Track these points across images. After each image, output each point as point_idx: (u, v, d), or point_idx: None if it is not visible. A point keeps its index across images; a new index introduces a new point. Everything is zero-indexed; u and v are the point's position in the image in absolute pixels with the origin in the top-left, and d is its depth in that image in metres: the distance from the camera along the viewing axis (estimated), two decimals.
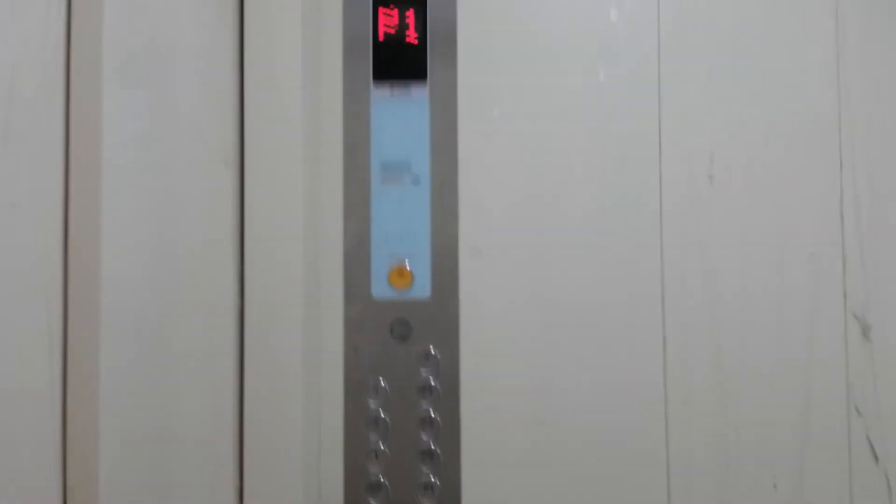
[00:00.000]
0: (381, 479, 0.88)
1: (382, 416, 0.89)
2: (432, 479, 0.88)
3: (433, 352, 0.90)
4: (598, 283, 0.90)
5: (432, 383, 0.89)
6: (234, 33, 0.87)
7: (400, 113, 0.91)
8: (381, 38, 0.92)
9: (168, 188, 0.75)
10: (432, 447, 0.89)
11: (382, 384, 0.89)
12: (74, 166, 0.64)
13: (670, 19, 0.91)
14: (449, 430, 0.89)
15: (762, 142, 0.90)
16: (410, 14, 0.91)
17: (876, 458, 0.88)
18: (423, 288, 0.90)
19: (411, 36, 0.92)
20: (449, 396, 0.89)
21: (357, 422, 0.89)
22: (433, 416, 0.89)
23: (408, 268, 0.90)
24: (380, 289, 0.90)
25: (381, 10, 0.91)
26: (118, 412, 0.66)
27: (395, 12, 0.91)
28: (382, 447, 0.89)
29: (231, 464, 0.84)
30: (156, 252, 0.73)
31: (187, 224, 0.78)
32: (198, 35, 0.82)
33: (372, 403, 0.89)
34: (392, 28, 0.91)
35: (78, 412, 0.63)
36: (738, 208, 0.90)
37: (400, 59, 0.92)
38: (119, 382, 0.66)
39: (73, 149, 0.64)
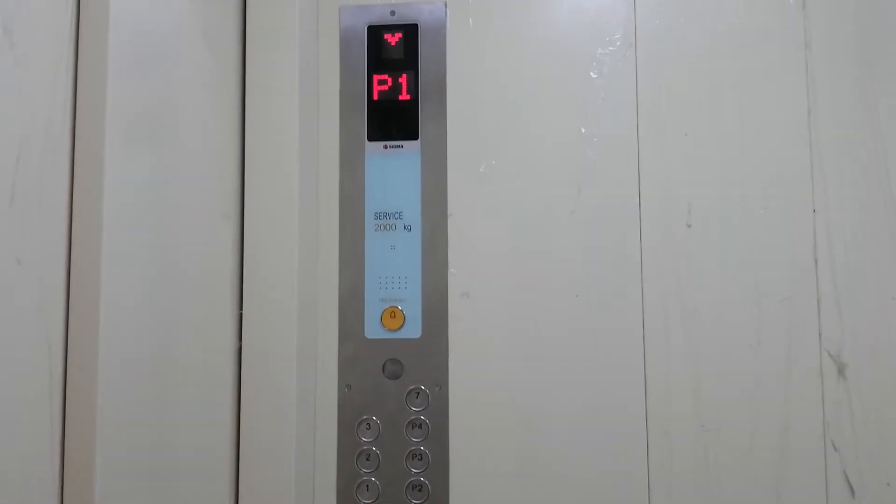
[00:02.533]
0: None
1: (375, 450, 0.89)
2: None
3: (423, 389, 0.90)
4: (582, 325, 0.89)
5: (422, 419, 0.89)
6: (235, 94, 0.88)
7: (393, 166, 0.92)
8: (375, 97, 0.92)
9: (169, 240, 0.75)
10: (422, 480, 0.88)
11: (375, 420, 0.89)
12: (77, 224, 0.64)
13: (647, 77, 0.91)
14: (438, 463, 0.88)
15: (738, 191, 0.89)
16: (403, 79, 0.92)
17: (853, 492, 0.86)
18: (414, 329, 0.90)
19: (404, 95, 0.92)
20: (438, 431, 0.89)
21: (350, 456, 0.89)
22: (423, 450, 0.89)
23: (400, 310, 0.91)
24: (373, 330, 0.90)
25: (376, 76, 0.93)
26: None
27: (389, 78, 0.92)
28: (374, 480, 0.88)
29: (227, 497, 0.84)
30: (157, 294, 0.73)
31: (188, 272, 0.78)
32: (200, 95, 0.82)
33: (364, 438, 0.89)
34: (386, 87, 0.92)
35: (75, 478, 0.63)
36: (715, 254, 0.89)
37: (393, 118, 0.92)
38: (116, 442, 0.65)
39: (76, 207, 0.64)
